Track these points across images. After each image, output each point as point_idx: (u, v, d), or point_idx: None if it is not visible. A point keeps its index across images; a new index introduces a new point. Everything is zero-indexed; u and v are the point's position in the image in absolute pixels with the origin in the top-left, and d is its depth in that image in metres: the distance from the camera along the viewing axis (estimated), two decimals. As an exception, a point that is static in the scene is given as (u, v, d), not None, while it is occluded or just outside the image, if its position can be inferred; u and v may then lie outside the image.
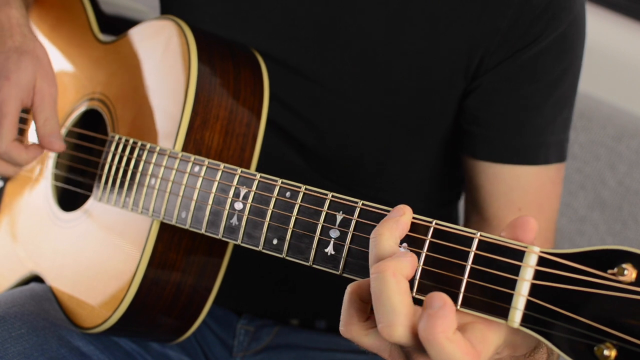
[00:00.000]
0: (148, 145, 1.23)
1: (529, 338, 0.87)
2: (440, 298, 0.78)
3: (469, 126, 1.35)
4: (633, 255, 0.74)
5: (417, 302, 0.83)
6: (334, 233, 0.95)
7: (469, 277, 0.82)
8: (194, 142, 1.22)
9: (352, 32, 1.32)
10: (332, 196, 0.96)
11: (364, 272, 0.91)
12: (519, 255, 0.80)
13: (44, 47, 1.35)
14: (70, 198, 1.42)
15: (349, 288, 0.88)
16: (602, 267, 0.75)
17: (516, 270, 0.79)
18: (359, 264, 0.92)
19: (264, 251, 1.02)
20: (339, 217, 0.95)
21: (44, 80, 1.32)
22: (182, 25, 1.29)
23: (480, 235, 0.83)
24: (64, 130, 1.43)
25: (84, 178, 1.40)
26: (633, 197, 1.91)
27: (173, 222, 1.16)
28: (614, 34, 2.14)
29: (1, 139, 1.29)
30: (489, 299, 0.81)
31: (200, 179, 1.13)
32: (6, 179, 1.52)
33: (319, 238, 0.96)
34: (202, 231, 1.11)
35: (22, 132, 1.52)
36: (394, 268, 0.82)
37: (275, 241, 1.01)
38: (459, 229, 0.84)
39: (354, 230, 0.93)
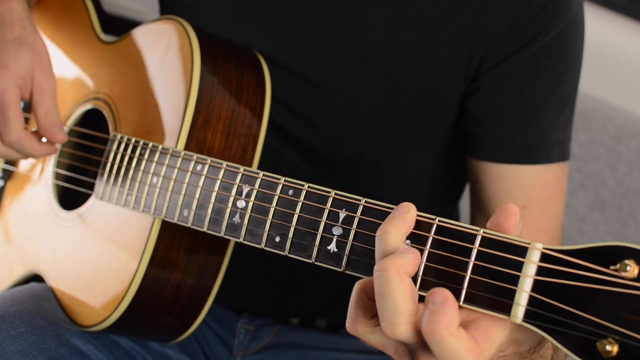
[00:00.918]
0: (150, 144, 1.23)
1: (533, 334, 0.87)
2: (441, 294, 0.78)
3: (471, 127, 1.36)
4: (635, 252, 0.74)
5: (420, 298, 0.83)
6: (337, 230, 0.95)
7: (472, 273, 0.83)
8: (196, 142, 1.22)
9: (352, 33, 1.32)
10: (335, 194, 0.96)
11: (367, 269, 0.92)
12: (522, 251, 0.80)
13: (43, 41, 1.36)
14: (71, 197, 1.42)
15: (357, 285, 0.89)
16: (604, 264, 0.76)
17: (519, 266, 0.80)
18: (362, 261, 0.92)
19: (267, 249, 1.03)
20: (342, 214, 0.95)
21: (42, 73, 1.33)
22: (185, 25, 1.29)
23: (484, 232, 0.83)
24: (65, 129, 1.44)
25: (86, 177, 1.40)
26: (633, 197, 1.91)
27: (175, 220, 1.16)
28: (614, 34, 2.14)
29: (11, 128, 1.29)
30: (492, 295, 0.81)
31: (203, 177, 1.13)
32: (7, 179, 1.53)
33: (322, 235, 0.96)
34: (204, 229, 1.11)
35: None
36: (397, 266, 0.82)
37: (277, 239, 1.01)
38: (462, 225, 0.85)
39: (356, 228, 0.93)
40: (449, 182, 1.52)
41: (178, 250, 1.24)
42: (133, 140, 1.27)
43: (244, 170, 1.08)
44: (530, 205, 1.34)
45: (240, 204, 1.06)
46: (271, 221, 1.02)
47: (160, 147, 1.21)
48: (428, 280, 0.86)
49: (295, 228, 0.99)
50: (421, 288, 0.86)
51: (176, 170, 1.17)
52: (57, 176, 1.44)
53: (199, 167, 1.14)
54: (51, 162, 1.45)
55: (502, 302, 0.80)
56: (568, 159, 1.38)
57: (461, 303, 0.83)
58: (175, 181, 1.17)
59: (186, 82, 1.24)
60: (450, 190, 1.55)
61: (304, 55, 1.35)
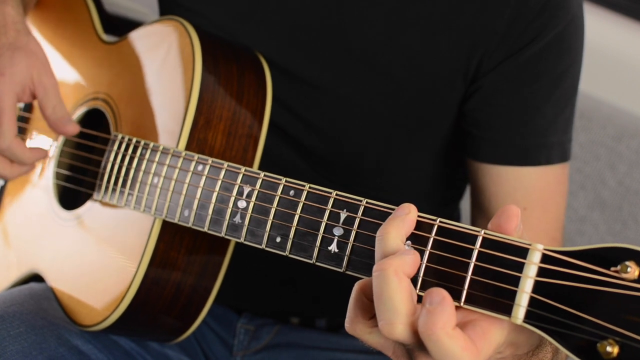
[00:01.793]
0: (151, 144, 1.23)
1: (531, 337, 0.87)
2: (439, 293, 0.79)
3: (470, 129, 1.36)
4: (636, 253, 0.75)
5: (420, 299, 0.83)
6: (338, 231, 0.95)
7: (472, 274, 0.83)
8: (197, 142, 1.22)
9: (351, 34, 1.32)
10: (336, 194, 0.96)
11: (368, 270, 0.92)
12: (523, 252, 0.80)
13: (38, 41, 1.37)
14: (72, 197, 1.42)
15: (356, 286, 0.89)
16: (605, 265, 0.76)
17: (520, 267, 0.80)
18: (363, 261, 0.92)
19: (267, 249, 1.03)
20: (343, 215, 0.95)
21: (42, 73, 1.34)
22: (186, 26, 1.29)
23: (485, 233, 0.83)
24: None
25: (86, 177, 1.41)
26: (633, 197, 1.91)
27: (175, 221, 1.16)
28: (614, 34, 2.14)
29: (3, 135, 1.30)
30: (493, 295, 0.81)
31: (204, 177, 1.13)
32: (8, 178, 1.53)
33: (323, 236, 0.96)
34: (205, 229, 1.11)
35: (23, 132, 1.52)
36: (395, 266, 0.82)
37: (278, 239, 1.01)
38: (463, 226, 0.85)
39: (357, 228, 0.93)
40: (450, 182, 1.52)
41: (178, 250, 1.24)
42: (134, 140, 1.27)
43: (245, 170, 1.08)
44: (530, 207, 1.34)
45: (241, 204, 1.07)
46: (272, 221, 1.02)
47: (161, 147, 1.21)
48: (429, 281, 0.86)
49: (296, 228, 0.99)
50: (422, 289, 0.86)
51: (177, 171, 1.17)
52: (58, 176, 1.44)
53: (200, 168, 1.14)
54: (52, 162, 1.45)
55: (502, 303, 0.80)
56: (568, 159, 1.38)
57: (462, 304, 0.83)
58: (176, 181, 1.17)
59: (187, 83, 1.24)
60: (451, 190, 1.55)
61: (304, 57, 1.35)
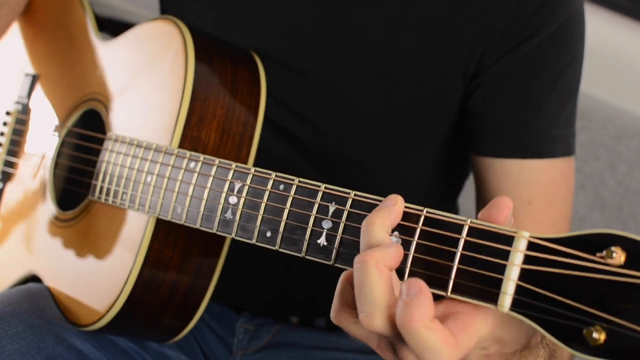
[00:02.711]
0: (144, 143, 1.23)
1: (517, 334, 0.87)
2: (416, 285, 0.78)
3: (473, 125, 1.35)
4: (621, 239, 0.74)
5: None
6: (327, 224, 0.95)
7: (459, 263, 0.82)
8: (191, 140, 1.22)
9: (351, 33, 1.33)
10: (325, 187, 0.96)
11: None
12: (509, 240, 0.80)
13: None
14: (69, 198, 1.42)
15: (342, 276, 0.89)
16: (591, 251, 0.75)
17: (505, 255, 0.79)
18: (351, 254, 0.92)
19: (258, 244, 1.03)
20: (332, 208, 0.95)
21: None
22: (179, 24, 1.30)
23: (471, 222, 0.83)
24: (64, 131, 1.44)
25: (83, 177, 1.41)
26: (633, 197, 1.91)
27: (168, 218, 1.16)
28: (614, 34, 2.14)
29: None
30: (479, 284, 0.81)
31: (196, 174, 1.13)
32: (5, 180, 1.53)
33: (312, 229, 0.96)
34: (197, 226, 1.11)
35: (20, 134, 1.53)
36: (376, 258, 0.82)
37: (268, 234, 1.01)
38: (450, 216, 0.85)
39: (346, 221, 0.93)
40: (448, 180, 1.52)
41: (173, 249, 1.23)
42: (128, 139, 1.27)
43: (236, 166, 1.08)
44: (535, 200, 1.33)
45: (232, 200, 1.07)
46: (262, 216, 1.02)
47: (154, 145, 1.22)
48: (416, 271, 0.86)
49: (285, 222, 0.99)
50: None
51: (170, 168, 1.17)
52: (56, 177, 1.44)
53: (192, 165, 1.14)
54: (49, 163, 1.45)
55: (489, 292, 0.80)
56: (573, 154, 1.37)
57: (449, 293, 0.83)
58: (168, 179, 1.17)
59: (180, 81, 1.24)
60: (449, 187, 1.55)
61: (303, 54, 1.35)
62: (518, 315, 0.78)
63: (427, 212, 0.86)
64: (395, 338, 0.81)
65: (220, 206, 1.08)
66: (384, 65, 1.33)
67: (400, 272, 0.86)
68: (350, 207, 0.93)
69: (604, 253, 0.74)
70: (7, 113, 1.56)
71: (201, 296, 1.28)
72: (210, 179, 1.11)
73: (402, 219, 0.87)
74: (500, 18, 1.27)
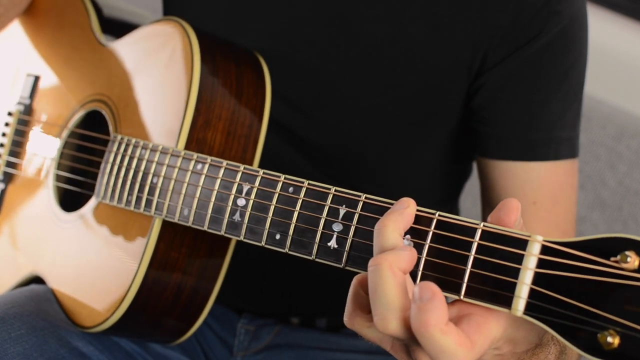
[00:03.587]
0: (150, 144, 1.23)
1: (530, 334, 0.87)
2: (429, 289, 0.78)
3: (478, 126, 1.36)
4: (636, 243, 0.74)
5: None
6: (337, 227, 0.95)
7: (472, 267, 0.83)
8: (197, 142, 1.22)
9: (355, 27, 1.33)
10: (335, 190, 0.96)
11: (367, 265, 0.91)
12: (523, 244, 0.80)
13: None
14: (72, 199, 1.42)
15: (354, 280, 0.89)
16: (605, 255, 0.76)
17: (519, 259, 0.80)
18: (362, 257, 0.92)
19: (267, 246, 1.02)
20: (342, 210, 0.95)
21: None
22: (185, 25, 1.29)
23: (484, 226, 0.83)
24: (66, 132, 1.44)
25: (86, 178, 1.40)
26: (633, 197, 1.91)
27: (175, 220, 1.16)
28: (614, 34, 2.15)
29: None
30: (493, 288, 0.81)
31: (203, 176, 1.13)
32: (7, 182, 1.53)
33: (322, 232, 0.96)
34: (205, 228, 1.11)
35: (22, 135, 1.52)
36: (390, 261, 0.82)
37: (278, 236, 1.01)
38: (462, 219, 0.85)
39: (357, 224, 0.93)
40: (450, 180, 1.52)
41: (179, 250, 1.23)
42: (133, 140, 1.27)
43: (244, 168, 1.08)
44: (540, 201, 1.34)
45: (241, 202, 1.06)
46: (271, 219, 1.02)
47: (160, 147, 1.21)
48: (429, 274, 0.86)
49: (295, 225, 0.99)
50: (422, 283, 0.85)
51: (176, 170, 1.17)
52: (58, 178, 1.44)
53: (199, 167, 1.14)
54: (52, 164, 1.45)
55: (502, 295, 0.80)
56: (577, 155, 1.38)
57: (462, 297, 0.83)
58: (175, 181, 1.17)
59: (186, 83, 1.24)
60: (451, 187, 1.55)
61: (307, 50, 1.35)
62: (532, 319, 0.79)
63: (439, 215, 0.87)
64: (410, 341, 0.81)
65: (228, 208, 1.08)
66: (389, 59, 1.33)
67: (412, 275, 0.86)
68: (361, 209, 0.93)
69: (618, 257, 0.74)
70: (9, 114, 1.56)
71: (206, 298, 1.28)
72: (218, 181, 1.11)
73: (414, 223, 0.88)
74: (504, 15, 1.27)
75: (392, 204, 0.90)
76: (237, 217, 1.07)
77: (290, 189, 1.01)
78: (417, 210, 0.88)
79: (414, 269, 0.86)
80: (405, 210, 0.87)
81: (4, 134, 1.56)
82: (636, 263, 0.73)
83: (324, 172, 1.41)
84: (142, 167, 1.23)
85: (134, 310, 1.23)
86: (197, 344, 1.50)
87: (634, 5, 2.13)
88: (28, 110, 1.53)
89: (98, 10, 1.54)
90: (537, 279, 0.78)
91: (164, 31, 1.33)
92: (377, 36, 1.32)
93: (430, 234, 0.86)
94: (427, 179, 1.47)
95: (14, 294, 1.37)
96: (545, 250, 0.79)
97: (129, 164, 1.25)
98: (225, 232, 1.08)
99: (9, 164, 1.53)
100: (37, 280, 1.41)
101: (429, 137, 1.40)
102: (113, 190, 1.27)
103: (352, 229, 0.93)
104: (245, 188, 1.06)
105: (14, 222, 1.50)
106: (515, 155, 1.33)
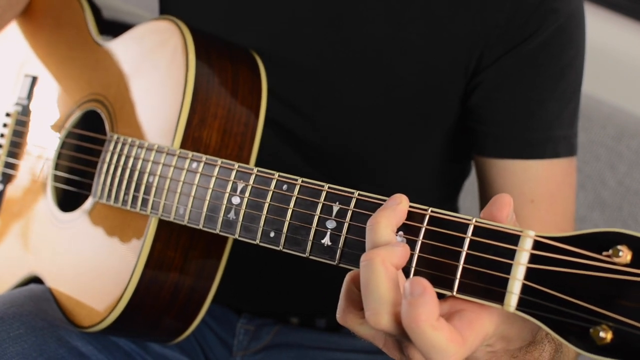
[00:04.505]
0: (146, 144, 1.23)
1: (523, 330, 0.87)
2: (419, 284, 0.77)
3: (475, 125, 1.36)
4: (628, 237, 0.74)
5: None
6: (331, 224, 0.95)
7: (464, 263, 0.82)
8: (192, 140, 1.22)
9: (352, 28, 1.33)
10: (329, 187, 0.96)
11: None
12: (515, 239, 0.80)
13: None
14: (70, 199, 1.42)
15: (347, 276, 0.89)
16: (597, 250, 0.75)
17: (511, 254, 0.79)
18: (356, 254, 0.92)
19: (261, 244, 1.02)
20: (336, 207, 0.95)
21: None
22: (180, 24, 1.30)
23: (476, 221, 0.83)
24: (63, 132, 1.44)
25: (84, 178, 1.40)
26: (633, 197, 1.91)
27: (171, 219, 1.16)
28: (614, 34, 2.14)
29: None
30: (485, 284, 0.81)
31: (198, 175, 1.13)
32: (6, 182, 1.53)
33: (316, 229, 0.96)
34: (200, 226, 1.11)
35: (21, 135, 1.52)
36: (383, 256, 0.81)
37: (272, 234, 1.01)
38: (455, 215, 0.84)
39: (350, 221, 0.93)
40: (449, 179, 1.52)
41: (175, 249, 1.23)
42: (129, 140, 1.27)
43: (239, 166, 1.08)
44: (538, 199, 1.34)
45: (235, 200, 1.06)
46: (265, 216, 1.02)
47: (155, 146, 1.21)
48: (421, 271, 0.85)
49: (289, 223, 0.99)
50: (414, 279, 0.85)
51: (172, 169, 1.17)
52: (56, 178, 1.44)
53: (194, 165, 1.14)
54: (50, 164, 1.45)
55: (495, 291, 0.80)
56: (575, 154, 1.38)
57: (454, 293, 0.83)
58: (171, 179, 1.17)
59: (181, 81, 1.24)
60: (450, 186, 1.55)
61: (304, 50, 1.35)
62: (524, 315, 0.78)
63: (432, 211, 0.86)
64: (402, 337, 0.81)
65: (223, 207, 1.08)
66: (386, 59, 1.33)
67: (405, 271, 0.86)
68: (355, 206, 0.93)
69: (610, 252, 0.74)
70: (7, 114, 1.56)
71: (203, 297, 1.28)
72: (213, 179, 1.10)
73: (407, 219, 0.87)
74: (501, 13, 1.27)
75: (385, 201, 0.90)
76: (231, 215, 1.06)
77: (284, 187, 1.01)
78: (410, 207, 0.88)
79: (406, 265, 0.85)
80: (397, 207, 0.87)
81: (2, 135, 1.56)
82: (628, 257, 0.73)
83: (324, 173, 1.41)
84: (138, 166, 1.23)
85: (131, 310, 1.23)
86: (196, 344, 1.50)
87: (634, 5, 2.13)
88: (26, 110, 1.53)
89: (97, 12, 1.54)
90: (529, 274, 0.78)
91: (159, 30, 1.33)
92: (376, 36, 1.32)
93: (423, 230, 0.86)
94: (426, 179, 1.47)
95: (13, 294, 1.37)
96: (537, 245, 0.78)
97: (125, 163, 1.25)
98: (220, 231, 1.08)
99: (7, 165, 1.53)
100: (36, 280, 1.41)
101: (428, 137, 1.40)
102: (109, 190, 1.27)
103: (346, 226, 0.93)
104: (240, 186, 1.06)
105: (12, 223, 1.50)
106: (513, 154, 1.33)
